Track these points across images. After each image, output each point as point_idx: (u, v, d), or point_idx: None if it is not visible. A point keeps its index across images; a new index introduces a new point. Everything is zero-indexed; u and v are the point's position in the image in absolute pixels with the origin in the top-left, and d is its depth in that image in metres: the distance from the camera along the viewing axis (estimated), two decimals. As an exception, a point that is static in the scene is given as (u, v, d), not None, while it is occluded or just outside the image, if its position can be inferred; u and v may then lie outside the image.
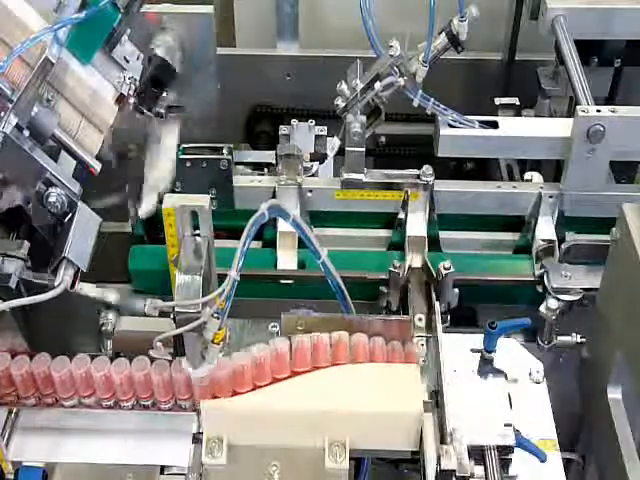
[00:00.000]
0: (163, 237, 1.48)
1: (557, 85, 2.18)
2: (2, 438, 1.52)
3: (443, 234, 1.90)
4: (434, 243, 1.88)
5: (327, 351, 1.51)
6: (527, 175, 1.98)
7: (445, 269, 1.71)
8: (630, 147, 1.78)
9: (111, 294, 1.77)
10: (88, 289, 1.73)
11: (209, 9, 1.92)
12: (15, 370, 1.50)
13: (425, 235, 1.85)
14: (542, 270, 1.79)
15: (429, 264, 1.77)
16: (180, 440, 1.54)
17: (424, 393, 1.51)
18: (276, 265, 1.86)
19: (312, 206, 1.89)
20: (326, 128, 2.12)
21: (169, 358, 1.45)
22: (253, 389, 1.48)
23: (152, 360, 1.48)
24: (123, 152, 1.78)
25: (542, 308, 1.75)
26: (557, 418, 1.53)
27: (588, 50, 2.07)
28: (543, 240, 1.84)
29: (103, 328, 1.74)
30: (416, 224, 1.86)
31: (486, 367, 1.57)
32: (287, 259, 1.86)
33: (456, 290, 1.75)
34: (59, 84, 1.53)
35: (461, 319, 1.81)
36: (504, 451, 1.43)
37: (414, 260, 1.81)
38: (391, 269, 1.75)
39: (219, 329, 1.37)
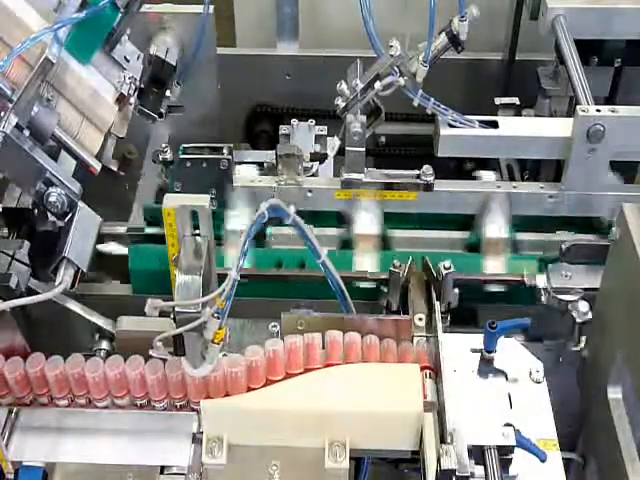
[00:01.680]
0: (163, 237, 1.48)
1: (557, 85, 2.18)
2: (2, 438, 1.52)
3: (443, 234, 1.90)
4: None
5: (341, 350, 1.52)
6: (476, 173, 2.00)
7: (445, 269, 1.70)
8: (630, 147, 1.78)
9: (100, 319, 1.68)
10: (77, 308, 1.66)
11: (209, 9, 1.93)
12: (30, 369, 1.50)
13: (425, 235, 1.85)
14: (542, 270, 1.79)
15: (429, 264, 1.77)
16: (180, 440, 1.54)
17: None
18: (279, 264, 1.86)
19: (312, 206, 1.89)
20: (326, 128, 2.12)
21: (168, 357, 1.45)
22: (265, 385, 1.48)
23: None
24: (124, 154, 1.78)
25: (573, 312, 1.74)
26: (557, 418, 1.53)
27: (588, 50, 2.07)
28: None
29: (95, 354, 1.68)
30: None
31: (486, 367, 1.57)
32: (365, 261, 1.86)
33: (456, 290, 1.75)
34: (59, 84, 1.53)
35: (461, 319, 1.81)
36: (504, 451, 1.43)
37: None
38: (391, 269, 1.75)
39: (219, 329, 1.37)
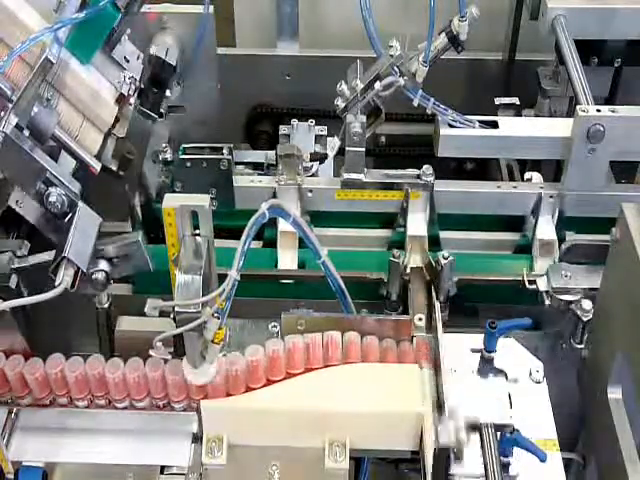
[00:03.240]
0: (163, 237, 1.48)
1: (557, 85, 2.19)
2: (2, 438, 1.52)
3: (443, 234, 1.90)
4: (434, 243, 1.88)
5: (339, 350, 1.52)
6: (527, 175, 1.98)
7: (444, 258, 1.71)
8: (630, 147, 1.78)
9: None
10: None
11: (209, 9, 1.93)
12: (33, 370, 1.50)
13: (425, 235, 1.85)
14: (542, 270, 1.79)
15: (431, 259, 1.77)
16: (180, 440, 1.54)
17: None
18: (276, 265, 1.86)
19: (312, 206, 1.89)
20: (326, 128, 2.12)
21: (168, 357, 1.45)
22: (264, 386, 1.49)
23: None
24: (124, 154, 1.78)
25: (577, 309, 1.73)
26: (557, 418, 1.53)
27: (588, 50, 2.07)
28: (543, 240, 1.84)
29: (98, 307, 1.68)
30: (416, 224, 1.86)
31: (486, 367, 1.57)
32: (287, 259, 1.86)
33: (455, 278, 1.75)
34: (59, 84, 1.53)
35: (462, 316, 1.81)
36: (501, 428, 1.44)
37: (414, 260, 1.81)
38: (391, 259, 1.75)
39: (219, 329, 1.37)
